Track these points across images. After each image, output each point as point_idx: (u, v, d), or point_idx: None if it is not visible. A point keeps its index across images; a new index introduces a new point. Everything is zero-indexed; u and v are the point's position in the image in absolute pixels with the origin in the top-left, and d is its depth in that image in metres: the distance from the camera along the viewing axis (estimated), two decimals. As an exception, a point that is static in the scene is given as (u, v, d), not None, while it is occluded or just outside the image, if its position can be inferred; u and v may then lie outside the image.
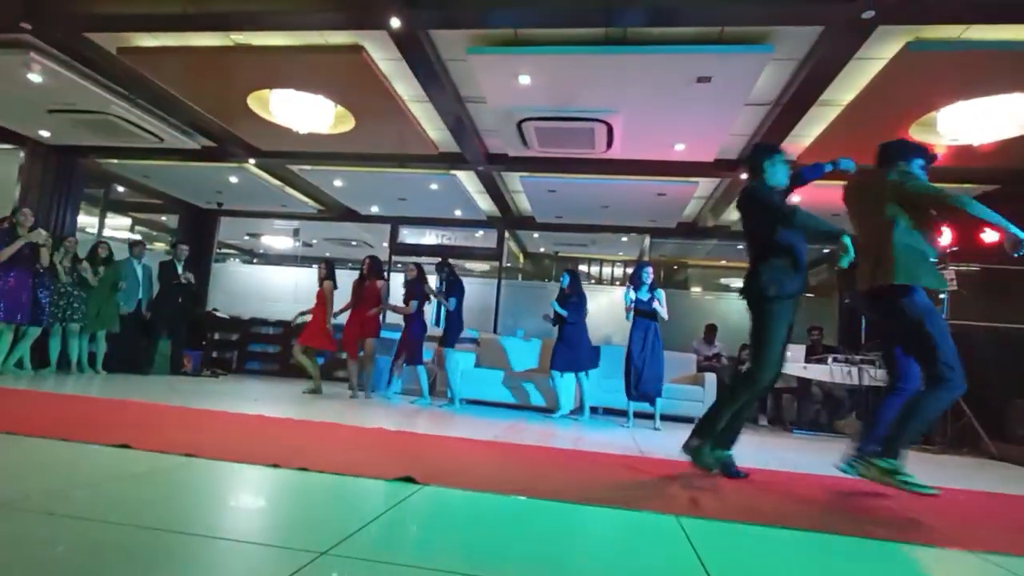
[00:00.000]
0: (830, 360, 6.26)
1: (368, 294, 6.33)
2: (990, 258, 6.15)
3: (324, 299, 6.32)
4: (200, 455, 2.43)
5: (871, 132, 5.15)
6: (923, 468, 3.11)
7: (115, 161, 7.76)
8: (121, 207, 10.20)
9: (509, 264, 11.03)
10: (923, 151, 2.92)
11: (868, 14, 3.61)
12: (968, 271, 6.09)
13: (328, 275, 6.45)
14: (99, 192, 8.72)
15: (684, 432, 5.47)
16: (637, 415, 5.77)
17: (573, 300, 5.99)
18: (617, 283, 11.40)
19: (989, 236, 5.82)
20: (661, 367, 5.52)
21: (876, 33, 3.88)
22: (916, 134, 5.10)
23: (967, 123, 4.72)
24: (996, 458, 5.09)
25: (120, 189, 9.13)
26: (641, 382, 5.42)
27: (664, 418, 5.77)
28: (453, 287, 6.22)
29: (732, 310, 9.25)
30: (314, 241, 12.37)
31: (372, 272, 6.43)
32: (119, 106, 5.83)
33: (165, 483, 2.04)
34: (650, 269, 5.61)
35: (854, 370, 6.08)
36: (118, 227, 10.81)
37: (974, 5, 3.56)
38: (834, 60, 4.23)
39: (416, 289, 6.25)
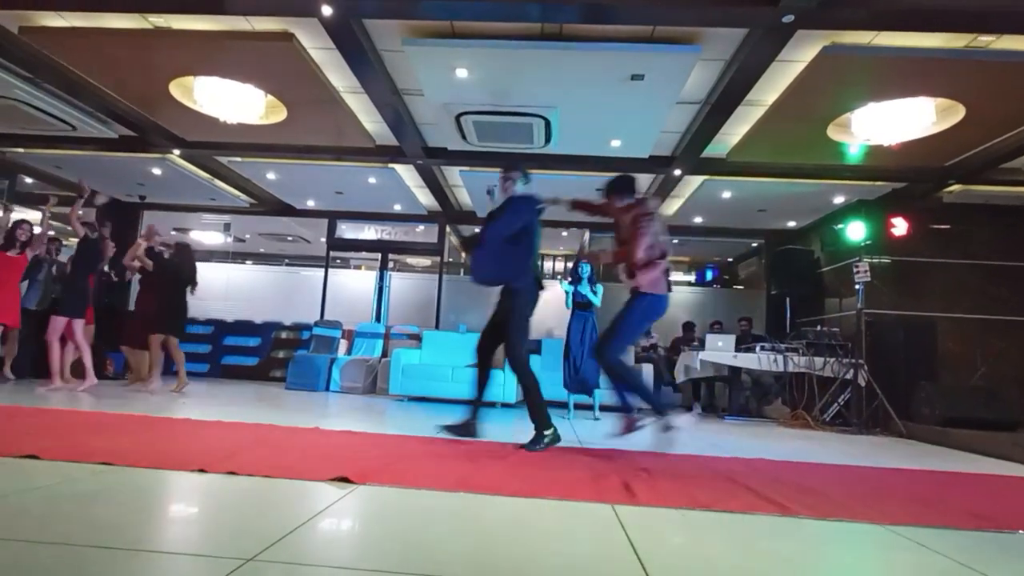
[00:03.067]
0: (758, 348, 6.57)
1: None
2: (900, 251, 6.62)
3: None
4: (117, 463, 2.29)
5: (793, 131, 5.48)
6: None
7: (20, 150, 7.18)
8: (29, 200, 9.44)
9: (451, 259, 10.96)
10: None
11: (788, 18, 3.79)
12: (880, 263, 6.53)
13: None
14: (2, 184, 8.03)
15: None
16: (577, 406, 5.87)
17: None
18: (558, 277, 11.54)
19: (899, 230, 6.26)
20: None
21: (796, 37, 4.09)
22: (833, 134, 5.42)
23: (878, 124, 5.06)
24: (905, 436, 5.49)
25: (28, 181, 8.45)
26: (579, 373, 5.52)
27: (603, 408, 5.90)
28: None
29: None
30: (247, 236, 11.89)
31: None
32: (23, 90, 5.39)
33: (76, 495, 1.91)
34: (588, 266, 5.72)
35: (780, 357, 6.41)
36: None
37: (881, 14, 3.81)
38: (758, 62, 4.43)
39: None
